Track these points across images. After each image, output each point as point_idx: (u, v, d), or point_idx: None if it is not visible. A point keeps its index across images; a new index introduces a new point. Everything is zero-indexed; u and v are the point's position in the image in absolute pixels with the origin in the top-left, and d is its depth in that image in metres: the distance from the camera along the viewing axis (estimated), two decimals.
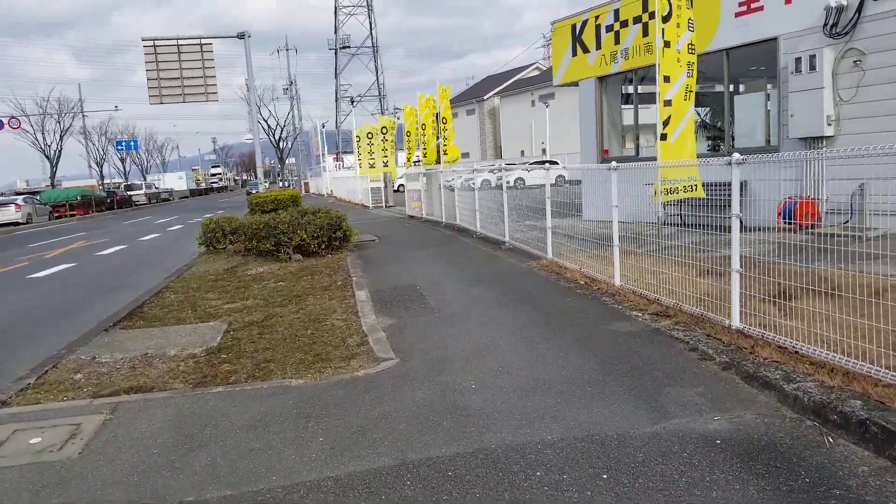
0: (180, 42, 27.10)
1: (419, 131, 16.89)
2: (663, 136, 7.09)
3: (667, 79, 7.14)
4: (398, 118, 29.97)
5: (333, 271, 9.06)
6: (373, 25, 63.71)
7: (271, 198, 25.71)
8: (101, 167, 70.61)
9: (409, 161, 18.60)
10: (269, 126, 61.22)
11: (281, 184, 62.96)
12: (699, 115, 11.31)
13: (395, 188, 28.07)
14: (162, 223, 25.80)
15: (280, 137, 63.09)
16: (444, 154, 15.41)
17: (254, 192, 37.78)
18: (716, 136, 11.42)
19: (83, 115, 58.06)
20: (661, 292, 5.45)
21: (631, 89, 11.24)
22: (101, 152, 70.42)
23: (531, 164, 31.80)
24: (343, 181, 35.08)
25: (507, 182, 9.96)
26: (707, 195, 5.85)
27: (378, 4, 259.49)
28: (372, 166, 26.25)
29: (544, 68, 51.79)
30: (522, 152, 45.40)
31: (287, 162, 71.37)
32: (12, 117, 41.41)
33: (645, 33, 9.71)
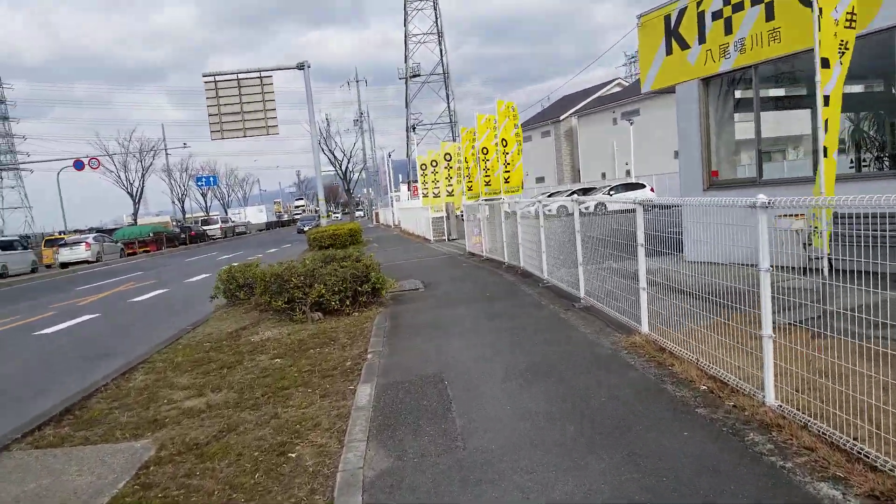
0: (240, 76, 26.48)
1: (479, 156, 14.78)
2: (824, 151, 4.58)
3: (825, 63, 4.66)
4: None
5: (350, 341, 6.98)
6: (443, 52, 62.89)
7: (329, 233, 24.26)
8: (183, 203, 72.92)
9: (467, 190, 16.50)
10: (335, 157, 61.20)
11: (348, 216, 62.65)
12: (850, 120, 8.55)
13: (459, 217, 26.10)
14: (222, 259, 24.83)
15: (347, 169, 62.98)
16: (506, 182, 13.20)
17: (307, 228, 37.28)
18: (864, 148, 8.63)
19: (166, 154, 60.08)
20: (867, 434, 2.97)
21: (748, 94, 8.66)
22: (183, 188, 72.78)
23: (613, 187, 28.97)
24: (408, 212, 33.45)
25: (586, 208, 7.58)
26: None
27: (452, 35, 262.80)
28: (436, 195, 24.36)
29: (626, 84, 48.83)
30: (603, 175, 42.42)
31: (366, 192, 71.20)
32: (92, 158, 42.76)
33: (770, 16, 7.16)
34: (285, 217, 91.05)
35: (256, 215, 76.37)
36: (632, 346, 5.39)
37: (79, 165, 42.28)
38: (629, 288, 5.86)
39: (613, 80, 49.62)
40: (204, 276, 18.84)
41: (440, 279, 11.46)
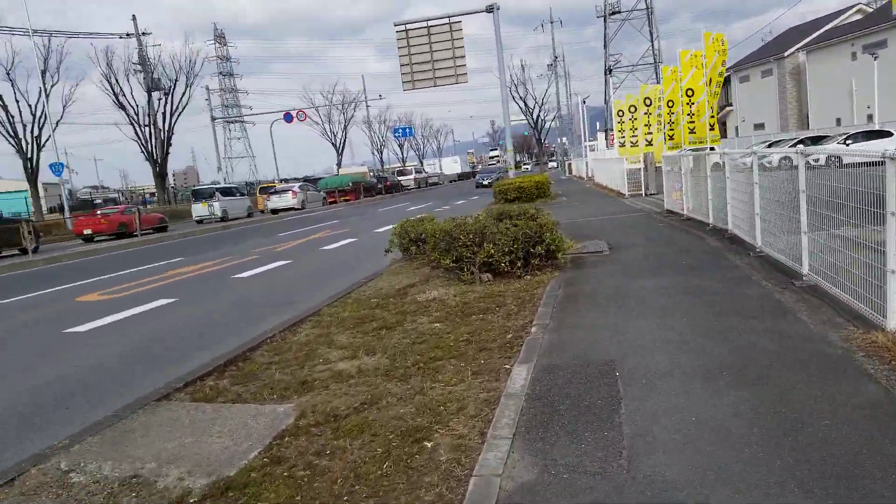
0: (430, 23, 26.58)
1: (682, 99, 13.08)
2: None
3: None
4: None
5: (517, 308, 6.42)
6: None
7: (515, 185, 23.76)
8: (381, 153, 77.24)
9: (667, 139, 14.80)
10: (526, 106, 59.88)
11: (539, 168, 61.47)
12: None
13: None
14: (411, 210, 25.65)
15: (539, 117, 61.39)
16: (710, 129, 11.51)
17: (486, 182, 37.01)
18: None
19: (366, 106, 63.67)
20: None
21: None
22: (381, 139, 76.93)
23: (851, 135, 24.59)
24: (602, 163, 31.69)
25: (814, 161, 6.09)
26: None
27: None
28: (634, 145, 22.54)
29: (869, 10, 41.10)
30: (838, 121, 36.46)
31: (559, 141, 69.53)
32: (299, 111, 46.58)
33: None
34: (479, 167, 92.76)
35: (450, 166, 78.54)
36: (871, 347, 4.13)
37: (287, 118, 46.34)
38: (871, 268, 4.50)
39: (853, 6, 41.94)
40: (391, 226, 19.48)
41: (630, 241, 10.38)
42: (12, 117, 32.80)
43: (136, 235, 24.02)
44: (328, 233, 19.23)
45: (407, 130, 72.35)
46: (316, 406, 4.25)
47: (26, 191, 36.96)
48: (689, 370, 4.15)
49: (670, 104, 14.50)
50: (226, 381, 4.99)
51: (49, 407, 5.02)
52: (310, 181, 47.40)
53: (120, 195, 76.87)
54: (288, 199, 33.93)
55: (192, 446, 3.75)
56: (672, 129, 14.02)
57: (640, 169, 21.85)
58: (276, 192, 34.91)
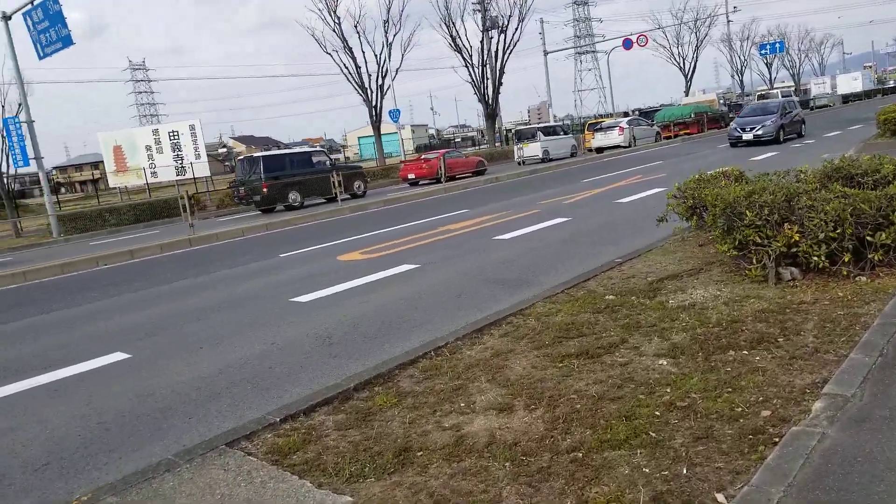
0: None
1: None
2: None
3: None
4: None
5: (816, 341, 3.97)
6: None
7: None
8: (742, 76, 68.44)
9: None
10: None
11: None
12: None
13: None
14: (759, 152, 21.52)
15: None
16: None
17: (747, 133, 22.45)
18: None
19: (727, 20, 56.53)
20: None
21: None
22: (743, 60, 67.97)
23: None
24: None
25: None
26: None
27: None
28: None
29: None
30: None
31: None
32: (640, 35, 43.18)
33: None
34: (891, 83, 76.15)
35: (848, 84, 66.39)
36: None
37: (627, 44, 43.53)
38: None
39: None
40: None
41: None
42: (359, 68, 37.27)
43: (442, 181, 25.03)
44: (638, 179, 17.03)
45: (777, 46, 62.33)
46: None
47: (396, 133, 41.98)
48: None
49: None
50: (330, 421, 3.91)
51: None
52: (645, 114, 44.19)
53: (480, 134, 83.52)
54: (613, 137, 31.91)
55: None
56: None
57: None
58: (600, 129, 33.17)
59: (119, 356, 6.17)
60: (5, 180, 24.36)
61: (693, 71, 58.67)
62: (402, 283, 7.90)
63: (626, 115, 45.09)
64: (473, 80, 42.94)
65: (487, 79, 42.64)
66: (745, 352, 4.06)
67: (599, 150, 32.13)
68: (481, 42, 43.02)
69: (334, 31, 37.26)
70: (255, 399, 4.70)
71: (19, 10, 20.13)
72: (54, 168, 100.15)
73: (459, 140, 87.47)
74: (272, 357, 5.60)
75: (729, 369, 3.83)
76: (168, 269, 11.92)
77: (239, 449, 3.65)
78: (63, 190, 76.47)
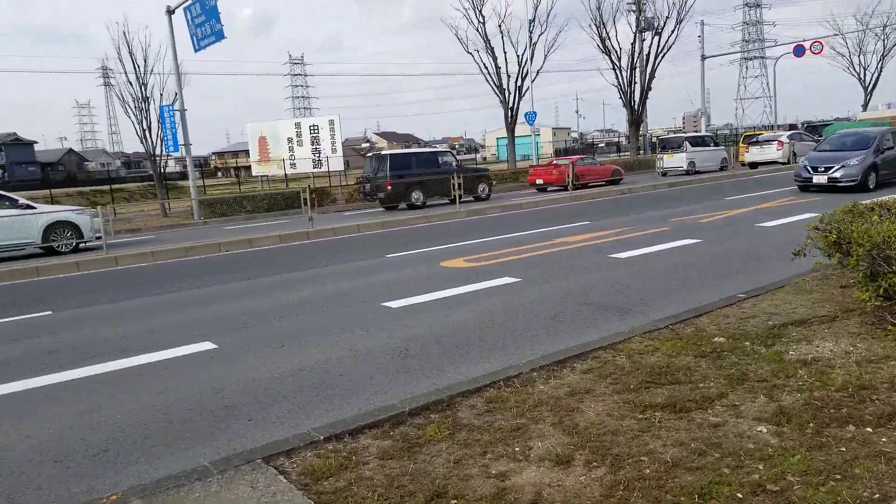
0: None
1: None
2: None
3: None
4: None
5: None
6: None
7: None
8: None
9: None
10: None
11: None
12: None
13: None
14: None
15: None
16: None
17: (822, 175, 16.14)
18: None
19: None
20: None
21: None
22: None
23: None
24: None
25: None
26: None
27: None
28: None
29: None
30: None
31: None
32: (814, 41, 39.73)
33: None
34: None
35: None
36: None
37: (799, 51, 40.33)
38: None
39: None
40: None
41: None
42: (499, 68, 37.15)
43: (569, 189, 24.25)
44: (788, 201, 15.55)
45: None
46: None
47: (530, 135, 41.71)
48: None
49: None
50: (374, 447, 3.69)
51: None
52: (813, 128, 40.60)
53: (626, 140, 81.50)
54: (770, 152, 29.52)
55: None
56: None
57: None
58: (757, 143, 30.81)
59: (207, 346, 6.36)
60: (158, 163, 26.70)
61: (875, 82, 53.15)
62: (498, 297, 7.58)
63: (791, 127, 41.74)
64: (620, 84, 41.53)
65: (635, 83, 41.06)
66: (870, 429, 3.39)
67: (753, 165, 29.86)
68: (632, 44, 41.52)
69: (478, 30, 37.48)
70: (315, 408, 4.61)
71: (181, 4, 21.92)
72: (213, 153, 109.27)
73: (603, 145, 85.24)
74: (345, 364, 5.51)
75: (843, 449, 3.19)
76: (281, 260, 12.37)
77: (274, 466, 3.53)
78: (220, 174, 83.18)
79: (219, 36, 20.87)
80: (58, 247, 15.27)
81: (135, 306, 8.81)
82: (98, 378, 5.61)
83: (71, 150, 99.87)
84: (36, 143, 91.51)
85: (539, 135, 46.92)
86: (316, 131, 32.07)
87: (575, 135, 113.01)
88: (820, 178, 16.78)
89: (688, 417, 3.72)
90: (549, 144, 77.11)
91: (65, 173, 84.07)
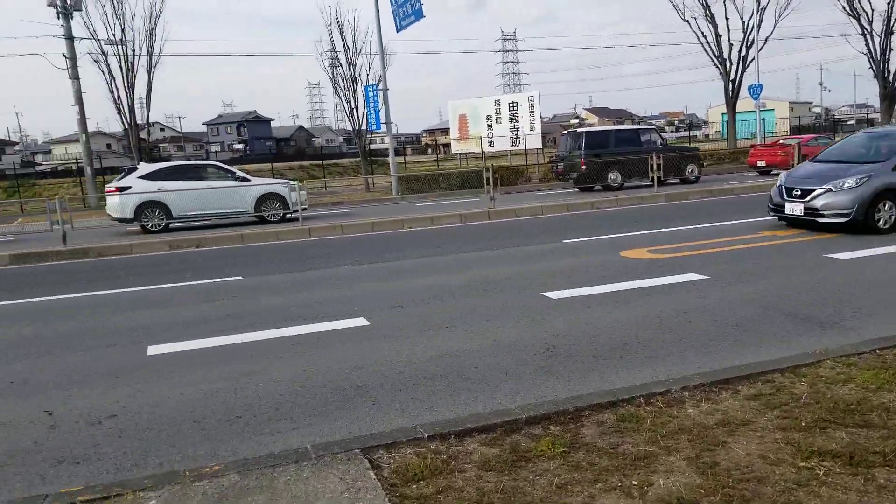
0: None
1: None
2: None
3: None
4: None
5: None
6: None
7: None
8: None
9: None
10: None
11: None
12: None
13: None
14: None
15: None
16: None
17: (818, 200, 8.71)
18: None
19: None
20: None
21: None
22: None
23: None
24: None
25: None
26: None
27: None
28: None
29: None
30: None
31: None
32: None
33: None
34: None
35: None
36: None
37: None
38: None
39: None
40: None
41: None
42: (719, 37, 34.06)
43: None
44: None
45: None
46: None
47: (753, 111, 38.27)
48: None
49: None
50: (478, 454, 3.43)
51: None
52: None
53: (878, 116, 71.93)
54: None
55: None
56: None
57: None
58: None
59: (360, 322, 6.52)
60: (364, 141, 28.40)
61: None
62: (675, 296, 6.88)
63: None
64: (871, 52, 36.14)
65: (890, 49, 35.45)
66: None
67: None
68: (889, 4, 35.82)
69: None
70: (440, 399, 4.48)
71: None
72: (424, 130, 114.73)
73: (853, 123, 75.33)
74: (484, 356, 5.30)
75: None
76: (458, 239, 12.46)
77: (370, 459, 3.43)
78: (429, 151, 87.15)
79: (418, 15, 21.52)
80: (268, 216, 16.83)
81: (309, 278, 9.39)
82: (257, 345, 5.98)
83: (301, 127, 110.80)
84: (272, 119, 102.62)
85: (771, 110, 42.43)
86: (515, 108, 32.01)
87: (818, 110, 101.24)
88: (794, 208, 10.46)
89: (865, 475, 2.98)
90: (786, 121, 69.72)
91: (295, 148, 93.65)
